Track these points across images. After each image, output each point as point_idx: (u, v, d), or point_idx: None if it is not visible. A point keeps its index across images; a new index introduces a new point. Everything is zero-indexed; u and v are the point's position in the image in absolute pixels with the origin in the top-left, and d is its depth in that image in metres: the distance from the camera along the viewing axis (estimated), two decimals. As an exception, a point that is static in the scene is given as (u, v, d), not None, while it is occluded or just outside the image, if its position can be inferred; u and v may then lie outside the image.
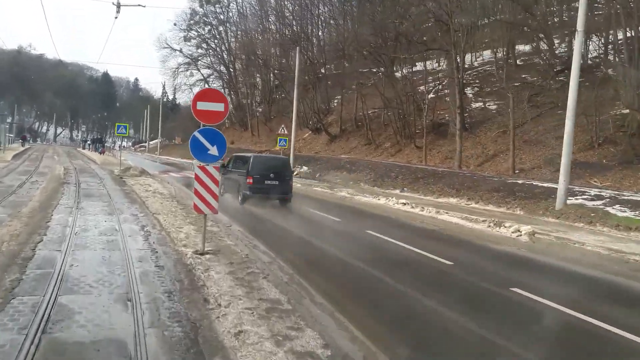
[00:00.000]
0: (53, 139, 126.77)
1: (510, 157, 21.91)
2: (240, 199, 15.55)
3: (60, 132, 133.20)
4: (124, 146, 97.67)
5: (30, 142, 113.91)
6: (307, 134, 42.94)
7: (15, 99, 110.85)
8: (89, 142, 50.93)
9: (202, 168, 7.42)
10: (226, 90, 66.99)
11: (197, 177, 7.43)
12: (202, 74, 68.05)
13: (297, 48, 32.87)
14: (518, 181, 18.34)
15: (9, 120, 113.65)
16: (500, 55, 32.16)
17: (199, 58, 67.52)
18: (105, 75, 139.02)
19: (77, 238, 8.01)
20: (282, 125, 29.36)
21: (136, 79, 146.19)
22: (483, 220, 12.37)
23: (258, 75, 56.94)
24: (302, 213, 14.43)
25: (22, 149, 42.28)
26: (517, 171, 21.27)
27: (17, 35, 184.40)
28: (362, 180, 25.04)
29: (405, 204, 15.84)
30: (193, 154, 7.50)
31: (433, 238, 10.88)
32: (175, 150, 65.32)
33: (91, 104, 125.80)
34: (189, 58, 66.77)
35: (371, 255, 8.75)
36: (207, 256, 7.04)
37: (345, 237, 10.55)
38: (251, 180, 15.04)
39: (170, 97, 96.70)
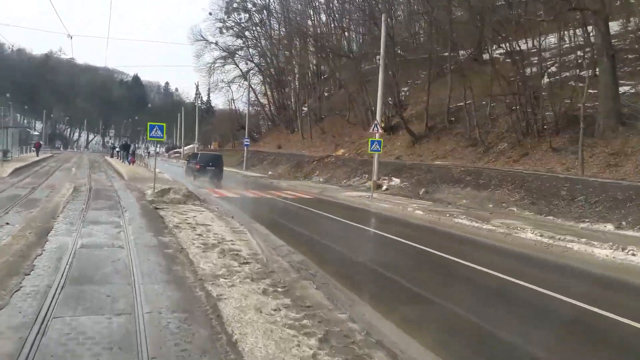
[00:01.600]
0: (85, 146, 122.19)
1: None
2: (192, 177, 25.69)
3: (92, 139, 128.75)
4: (157, 152, 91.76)
5: (61, 149, 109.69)
6: (377, 134, 34.57)
7: (46, 105, 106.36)
8: (117, 149, 43.79)
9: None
10: (267, 86, 59.43)
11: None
12: (241, 69, 60.67)
13: (382, 16, 24.60)
14: None
15: (29, 124, 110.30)
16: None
17: (237, 51, 60.15)
18: (136, 78, 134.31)
19: None
20: (375, 122, 21.09)
21: (167, 83, 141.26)
22: None
23: (313, 63, 48.83)
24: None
25: (35, 158, 35.25)
26: None
27: (46, 40, 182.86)
28: (508, 202, 16.60)
29: None
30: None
31: None
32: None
33: (122, 108, 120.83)
34: (225, 51, 59.50)
35: None
36: None
37: None
38: (198, 167, 23.96)
39: (205, 99, 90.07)
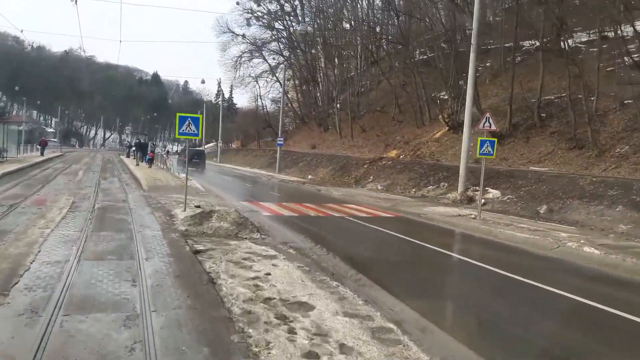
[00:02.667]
0: (101, 143, 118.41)
1: None
2: (182, 167, 26.06)
3: (109, 136, 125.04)
4: (175, 151, 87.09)
5: (76, 146, 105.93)
6: (439, 132, 29.08)
7: (63, 102, 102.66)
8: (132, 148, 38.84)
9: None
10: (297, 81, 54.15)
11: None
12: (269, 63, 55.51)
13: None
14: None
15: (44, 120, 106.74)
16: None
17: (265, 44, 54.99)
18: (155, 75, 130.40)
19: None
20: (487, 116, 15.51)
21: (186, 82, 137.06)
22: None
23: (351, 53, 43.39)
24: None
25: (39, 158, 30.36)
26: None
27: (67, 37, 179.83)
28: None
29: None
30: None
31: None
32: (238, 157, 52.94)
33: (141, 106, 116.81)
34: (253, 44, 54.38)
35: None
36: None
37: None
38: (185, 159, 18.82)
39: (227, 96, 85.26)
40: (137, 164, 27.43)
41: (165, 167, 26.62)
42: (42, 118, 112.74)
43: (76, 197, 13.35)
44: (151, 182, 17.93)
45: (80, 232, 8.42)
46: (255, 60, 56.16)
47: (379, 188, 23.46)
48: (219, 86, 79.89)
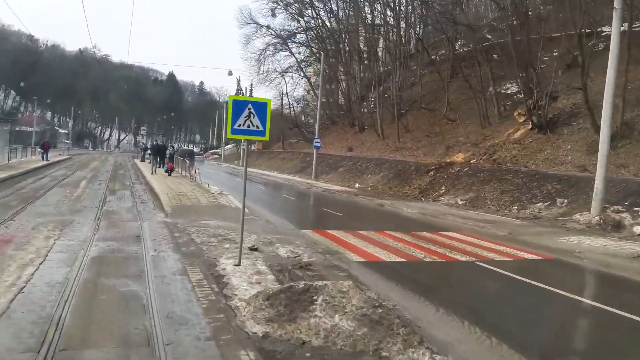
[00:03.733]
0: (116, 145, 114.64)
1: None
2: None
3: (124, 137, 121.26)
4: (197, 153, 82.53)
5: (89, 148, 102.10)
6: (518, 131, 23.76)
7: (77, 102, 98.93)
8: (148, 151, 34.11)
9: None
10: (326, 77, 49.03)
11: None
12: (296, 57, 50.59)
13: None
14: None
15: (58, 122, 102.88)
16: None
17: (291, 37, 50.07)
18: (171, 75, 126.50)
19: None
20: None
21: (201, 83, 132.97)
22: None
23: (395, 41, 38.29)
24: None
25: (39, 163, 25.65)
26: None
27: (80, 36, 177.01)
28: None
29: None
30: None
31: None
32: (262, 160, 47.98)
33: (156, 107, 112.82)
34: (279, 37, 49.49)
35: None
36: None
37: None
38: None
39: (247, 94, 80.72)
40: (154, 172, 22.58)
41: (188, 175, 21.66)
42: (56, 119, 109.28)
43: (63, 232, 8.46)
44: (175, 200, 13.06)
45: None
46: (280, 55, 51.37)
47: (460, 203, 18.30)
48: (239, 84, 75.05)
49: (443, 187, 20.89)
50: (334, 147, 41.28)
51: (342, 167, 30.96)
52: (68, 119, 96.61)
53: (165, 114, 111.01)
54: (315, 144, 30.81)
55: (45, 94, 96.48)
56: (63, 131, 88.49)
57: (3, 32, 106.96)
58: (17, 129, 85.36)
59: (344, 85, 43.73)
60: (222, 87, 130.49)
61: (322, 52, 36.59)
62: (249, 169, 35.49)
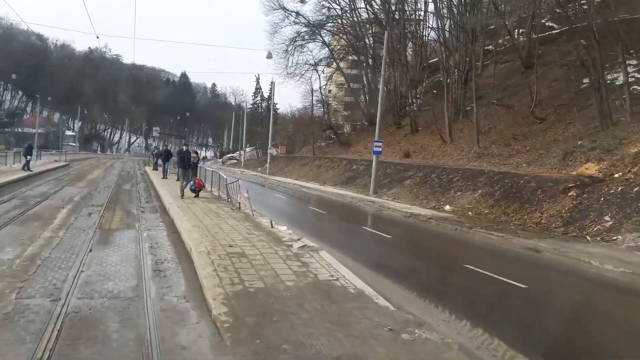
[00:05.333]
0: (126, 148, 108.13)
1: None
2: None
3: (134, 140, 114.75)
4: (206, 157, 75.33)
5: (98, 151, 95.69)
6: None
7: (86, 103, 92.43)
8: (160, 156, 27.16)
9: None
10: (368, 70, 41.84)
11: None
12: (329, 48, 43.42)
13: None
14: None
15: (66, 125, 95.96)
16: None
17: (324, 25, 42.96)
18: (184, 76, 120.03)
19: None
20: None
21: (214, 84, 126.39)
22: None
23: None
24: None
25: (13, 176, 18.42)
26: None
27: (92, 36, 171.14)
28: None
29: None
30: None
31: None
32: (293, 167, 40.69)
33: (168, 108, 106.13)
34: (308, 26, 42.39)
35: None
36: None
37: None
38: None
39: (266, 94, 73.42)
40: (181, 194, 14.94)
41: (227, 197, 14.25)
42: (65, 121, 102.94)
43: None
44: (226, 270, 6.05)
45: None
46: (310, 47, 44.20)
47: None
48: (258, 82, 68.15)
49: (607, 217, 13.57)
50: (384, 152, 34.13)
51: (409, 179, 23.70)
52: (76, 121, 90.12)
53: (177, 116, 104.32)
54: (375, 149, 23.63)
55: (53, 94, 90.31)
56: (70, 133, 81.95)
57: (10, 30, 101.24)
58: (17, 130, 79.34)
59: (394, 76, 36.45)
60: (237, 87, 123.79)
61: (387, 28, 29.24)
62: (277, 178, 26.66)
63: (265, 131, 64.86)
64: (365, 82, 42.80)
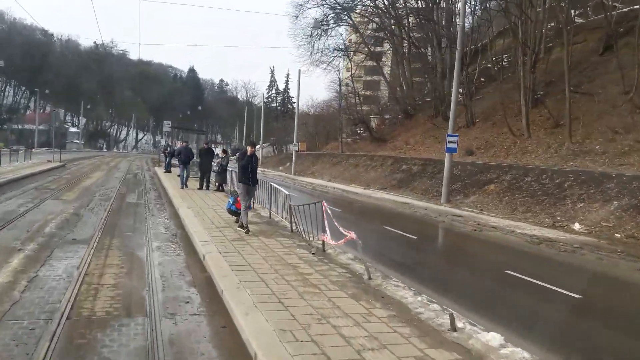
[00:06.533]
0: (133, 146, 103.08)
1: None
2: None
3: (142, 137, 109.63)
4: (217, 155, 69.84)
5: (103, 148, 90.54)
6: None
7: (91, 99, 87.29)
8: (176, 155, 21.87)
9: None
10: (402, 57, 36.33)
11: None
12: (361, 33, 37.90)
13: None
14: None
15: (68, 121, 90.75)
16: None
17: (354, 5, 37.47)
18: (192, 71, 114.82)
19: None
20: None
21: (221, 80, 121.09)
22: None
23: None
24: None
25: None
26: None
27: (94, 31, 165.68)
28: None
29: None
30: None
31: None
32: (322, 166, 35.23)
33: (175, 105, 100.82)
34: (334, 8, 36.89)
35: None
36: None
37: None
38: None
39: (281, 87, 67.77)
40: (243, 226, 8.75)
41: (290, 225, 8.78)
42: (70, 117, 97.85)
43: None
44: None
45: None
46: (340, 30, 38.74)
47: None
48: (272, 75, 62.66)
49: None
50: (432, 149, 28.75)
51: (493, 184, 18.27)
52: (81, 117, 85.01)
53: (186, 112, 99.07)
54: (449, 145, 18.24)
55: (57, 90, 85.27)
56: (74, 130, 76.87)
57: (14, 25, 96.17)
58: (16, 126, 74.15)
59: (440, 60, 30.98)
60: (249, 81, 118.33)
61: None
62: (307, 180, 20.20)
63: (282, 126, 59.52)
64: (400, 70, 37.29)
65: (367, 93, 46.39)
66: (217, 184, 15.88)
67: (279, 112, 64.75)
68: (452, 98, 18.56)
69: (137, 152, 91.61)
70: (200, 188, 15.80)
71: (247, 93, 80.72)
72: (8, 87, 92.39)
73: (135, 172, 26.24)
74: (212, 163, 16.20)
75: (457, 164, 22.26)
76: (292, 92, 72.91)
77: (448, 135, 18.42)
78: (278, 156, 51.87)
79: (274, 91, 68.73)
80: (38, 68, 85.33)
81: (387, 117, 42.10)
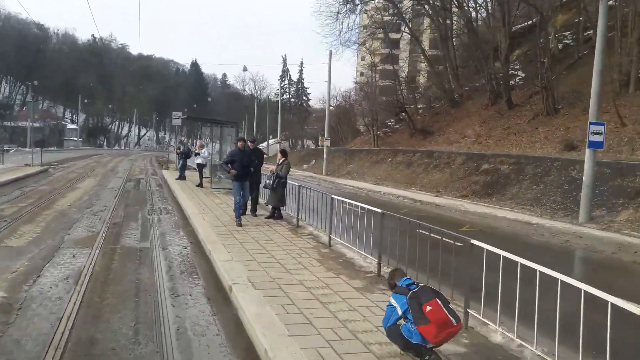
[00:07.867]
0: (136, 142, 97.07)
1: None
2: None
3: (145, 134, 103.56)
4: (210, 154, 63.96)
5: (104, 146, 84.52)
6: None
7: (88, 94, 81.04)
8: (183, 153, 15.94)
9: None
10: (447, 35, 30.18)
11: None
12: (398, 7, 31.76)
13: None
14: None
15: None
16: None
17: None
18: (195, 65, 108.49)
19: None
20: None
21: (224, 75, 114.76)
22: None
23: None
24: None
25: None
26: None
27: (98, 26, 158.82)
28: None
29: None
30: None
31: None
32: (357, 165, 29.21)
33: (178, 100, 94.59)
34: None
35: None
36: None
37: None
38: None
39: (295, 77, 61.46)
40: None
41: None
42: (68, 114, 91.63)
43: None
44: None
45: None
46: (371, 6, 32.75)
47: None
48: (285, 64, 56.52)
49: None
50: (508, 142, 22.85)
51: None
52: (80, 112, 78.80)
53: (190, 107, 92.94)
54: (593, 137, 12.24)
55: (53, 85, 79.22)
56: (72, 127, 70.75)
57: (8, 20, 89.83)
58: (9, 123, 67.94)
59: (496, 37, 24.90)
60: (257, 73, 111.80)
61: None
62: (347, 183, 16.32)
63: (298, 119, 53.49)
64: (446, 53, 31.16)
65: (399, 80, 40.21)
66: (271, 206, 9.85)
67: (292, 104, 58.71)
68: (595, 67, 12.47)
69: (140, 149, 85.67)
70: (269, 217, 9.61)
71: (255, 85, 74.30)
72: (4, 82, 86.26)
73: (139, 178, 20.23)
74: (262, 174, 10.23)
75: (570, 163, 16.29)
76: (307, 82, 66.32)
77: (591, 124, 12.39)
78: (297, 152, 45.93)
79: (286, 81, 62.57)
80: (34, 63, 79.29)
81: (430, 106, 35.82)
